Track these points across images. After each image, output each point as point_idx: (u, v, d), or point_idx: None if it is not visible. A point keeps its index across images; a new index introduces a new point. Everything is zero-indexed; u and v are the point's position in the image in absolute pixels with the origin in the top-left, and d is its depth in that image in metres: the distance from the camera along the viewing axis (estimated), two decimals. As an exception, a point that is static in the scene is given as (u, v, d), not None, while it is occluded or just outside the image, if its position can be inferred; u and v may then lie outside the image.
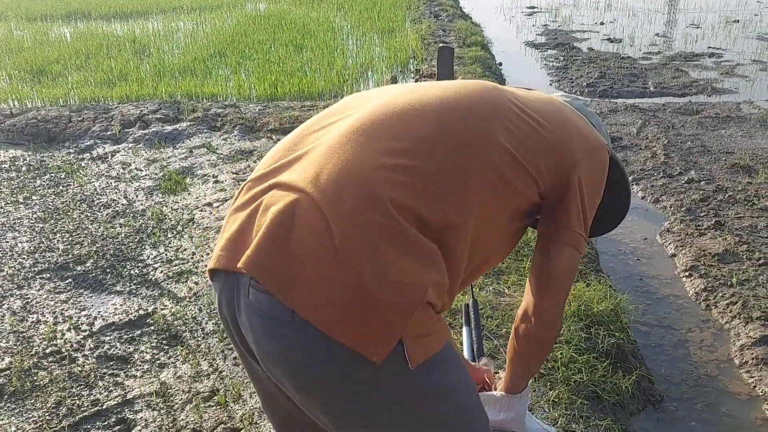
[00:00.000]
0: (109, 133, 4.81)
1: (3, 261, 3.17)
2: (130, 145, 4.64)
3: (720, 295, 2.90)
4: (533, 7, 10.39)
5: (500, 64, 7.14)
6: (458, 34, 7.81)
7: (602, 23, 8.99)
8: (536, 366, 1.53)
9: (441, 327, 1.11)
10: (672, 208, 3.70)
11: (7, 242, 3.36)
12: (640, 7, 10.09)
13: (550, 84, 6.38)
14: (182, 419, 2.17)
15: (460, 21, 8.65)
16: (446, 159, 1.13)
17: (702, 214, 3.59)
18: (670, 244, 3.37)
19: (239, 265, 1.04)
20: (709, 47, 7.48)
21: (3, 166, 4.33)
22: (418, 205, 1.06)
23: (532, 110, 1.25)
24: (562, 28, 8.88)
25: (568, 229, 1.25)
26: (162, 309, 2.78)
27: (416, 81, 6.31)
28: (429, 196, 1.09)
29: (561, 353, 2.23)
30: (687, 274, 3.10)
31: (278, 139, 4.64)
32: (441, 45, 5.30)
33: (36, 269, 3.11)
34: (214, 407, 2.21)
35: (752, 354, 2.53)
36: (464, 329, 1.77)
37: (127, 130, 4.84)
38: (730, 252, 3.19)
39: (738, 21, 8.86)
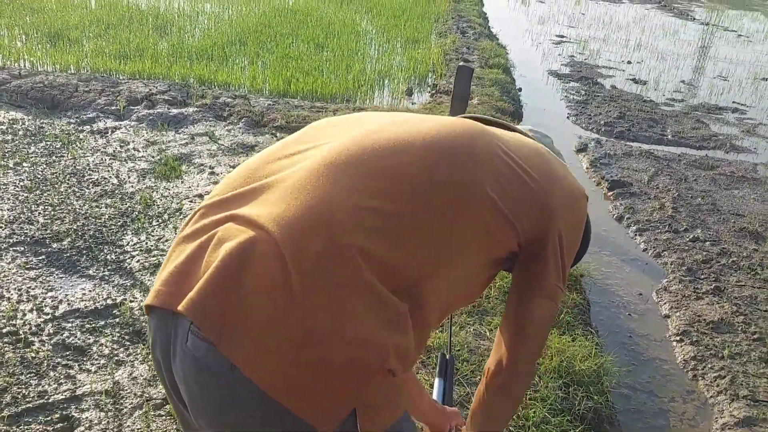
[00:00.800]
0: (113, 107, 4.72)
1: (-21, 227, 3.08)
2: (133, 123, 4.55)
3: (709, 366, 2.78)
4: (562, 37, 10.28)
5: (520, 89, 7.03)
6: (482, 54, 7.70)
7: (629, 62, 8.87)
8: (504, 421, 1.43)
9: (400, 397, 1.02)
10: (672, 266, 3.58)
11: (-12, 208, 3.26)
12: (670, 50, 9.97)
13: (567, 117, 6.27)
14: (128, 425, 2.06)
15: (486, 41, 8.55)
16: (428, 206, 1.04)
17: (702, 277, 3.47)
18: (665, 303, 3.25)
19: (180, 307, 0.92)
20: (734, 102, 7.35)
21: (1, 127, 4.24)
22: (391, 256, 0.98)
23: (521, 159, 1.20)
24: (588, 61, 8.77)
25: (548, 282, 1.23)
26: (131, 301, 2.68)
27: (431, 96, 6.20)
28: (404, 246, 1.00)
29: (534, 411, 2.11)
30: (678, 338, 2.98)
31: (282, 137, 4.53)
32: (460, 64, 5.20)
33: (10, 241, 3.01)
34: (164, 417, 2.10)
35: (733, 435, 2.41)
36: (436, 380, 1.67)
37: (132, 108, 4.75)
38: (726, 321, 3.07)
39: (767, 79, 8.73)
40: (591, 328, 2.81)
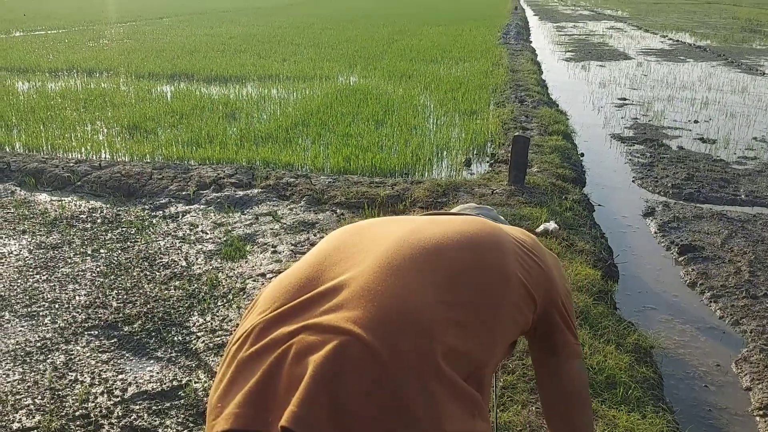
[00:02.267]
0: (184, 192, 4.97)
1: (58, 313, 3.25)
2: (202, 206, 4.77)
3: (800, 444, 2.57)
4: (624, 99, 10.20)
5: (582, 154, 6.97)
6: (541, 121, 7.73)
7: (696, 121, 8.68)
8: None
9: None
10: (752, 334, 3.37)
11: (67, 294, 3.45)
12: (740, 107, 9.71)
13: (633, 180, 6.14)
14: None
15: (545, 108, 8.58)
16: (484, 294, 1.14)
17: (786, 345, 3.25)
18: (746, 375, 3.05)
19: (283, 422, 0.89)
20: (812, 156, 7.04)
21: (81, 216, 4.53)
22: (464, 346, 1.04)
23: (527, 246, 1.36)
24: (652, 122, 8.64)
25: (570, 343, 1.43)
26: (195, 382, 2.74)
27: (490, 165, 6.23)
28: (473, 335, 1.07)
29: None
30: (761, 413, 2.78)
31: (341, 214, 4.66)
32: (516, 134, 5.23)
33: (86, 325, 3.16)
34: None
35: None
36: None
37: (201, 192, 4.99)
38: (816, 394, 2.84)
39: None
40: (663, 404, 2.66)
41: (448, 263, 1.13)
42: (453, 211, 1.65)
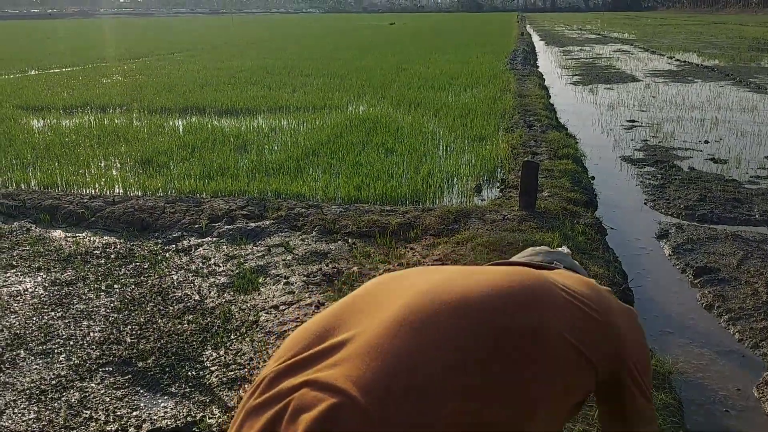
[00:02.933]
0: (196, 226, 5.00)
1: (73, 350, 3.26)
2: (214, 239, 4.79)
3: (826, 470, 2.50)
4: (633, 121, 10.21)
5: (593, 178, 6.96)
6: (550, 146, 7.74)
7: (707, 141, 8.66)
8: None
9: None
10: (773, 357, 3.32)
11: (81, 331, 3.47)
12: (750, 126, 9.68)
13: (645, 203, 6.12)
14: None
15: (554, 132, 8.60)
16: (506, 359, 1.03)
17: (808, 367, 3.19)
18: (768, 399, 2.99)
19: None
20: (825, 173, 6.98)
21: (95, 252, 4.57)
22: (481, 415, 0.96)
23: (580, 294, 1.22)
24: (662, 144, 8.62)
25: (640, 410, 1.30)
26: (210, 418, 2.73)
27: (501, 191, 6.23)
28: (492, 403, 0.98)
29: None
30: (787, 439, 2.72)
31: (353, 243, 4.66)
32: (525, 159, 5.24)
33: (101, 361, 3.17)
34: None
35: None
36: None
37: (213, 225, 5.02)
38: (841, 418, 2.78)
39: None
40: (684, 431, 2.61)
41: (467, 322, 1.03)
42: (521, 257, 1.54)
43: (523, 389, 1.02)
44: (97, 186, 6.26)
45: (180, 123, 9.24)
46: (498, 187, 6.46)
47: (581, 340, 1.13)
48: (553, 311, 1.13)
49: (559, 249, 1.62)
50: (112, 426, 2.68)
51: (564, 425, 1.26)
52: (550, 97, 12.57)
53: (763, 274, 4.26)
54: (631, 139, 8.92)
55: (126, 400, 2.87)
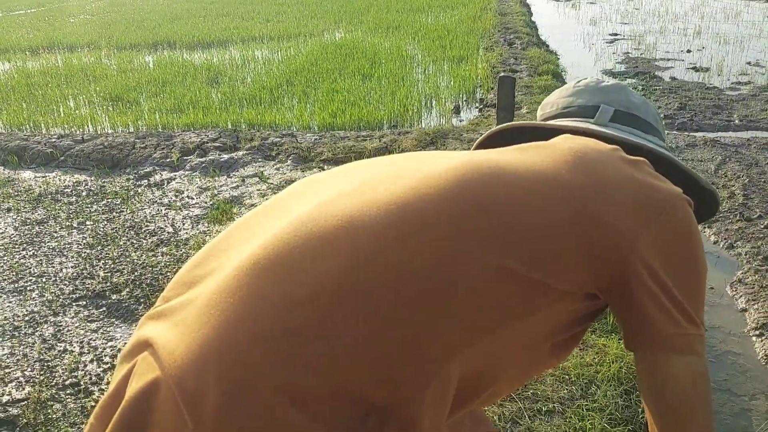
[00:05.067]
0: (168, 160, 4.90)
1: (45, 286, 3.23)
2: (186, 172, 4.70)
3: (795, 360, 2.54)
4: (616, 35, 9.99)
5: (573, 93, 6.84)
6: (530, 63, 7.58)
7: (689, 51, 8.50)
8: None
9: None
10: (747, 256, 3.33)
11: (54, 267, 3.43)
12: (733, 33, 9.50)
13: (625, 115, 6.03)
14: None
15: (535, 49, 8.41)
16: (389, 306, 0.76)
17: (781, 264, 3.21)
18: (741, 296, 3.02)
19: None
20: (807, 76, 6.90)
21: (65, 191, 4.48)
22: (330, 383, 0.73)
23: (552, 187, 0.86)
24: (644, 56, 8.46)
25: (660, 333, 0.87)
26: (185, 344, 2.72)
27: (479, 110, 6.13)
28: (347, 364, 0.74)
29: (591, 423, 1.98)
30: (757, 332, 2.75)
31: (329, 169, 4.58)
32: (501, 75, 5.11)
33: (74, 296, 3.14)
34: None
35: (829, 434, 2.18)
36: None
37: (185, 158, 4.92)
38: (811, 310, 2.81)
39: (843, 48, 8.16)
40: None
41: (338, 260, 0.78)
42: (555, 98, 1.18)
43: (403, 347, 0.77)
44: (66, 125, 6.09)
45: (150, 59, 8.96)
46: (477, 108, 6.36)
47: (534, 263, 0.82)
48: (488, 233, 0.81)
49: (616, 82, 1.17)
50: (87, 357, 2.68)
51: (565, 353, 1.01)
52: (531, 14, 12.25)
53: (740, 178, 4.24)
54: (613, 53, 8.75)
55: (101, 331, 2.86)
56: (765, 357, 2.61)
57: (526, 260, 0.82)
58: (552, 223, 0.84)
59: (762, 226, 3.59)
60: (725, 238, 3.55)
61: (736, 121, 5.53)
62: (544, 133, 1.06)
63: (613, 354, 2.31)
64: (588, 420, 2.00)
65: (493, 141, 1.22)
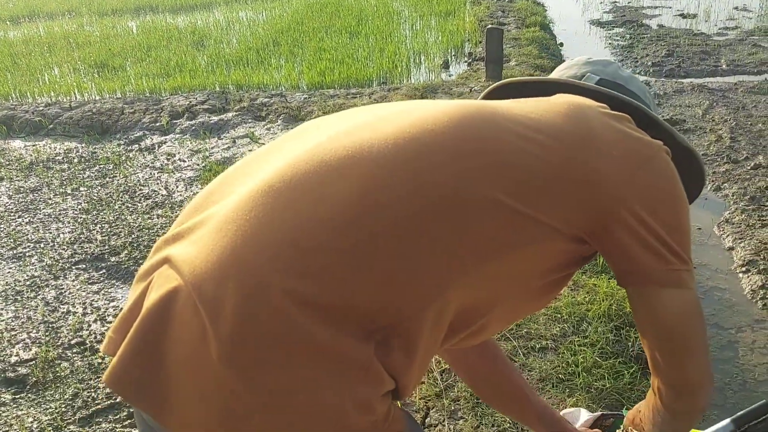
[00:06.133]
0: (158, 124, 4.89)
1: (44, 252, 3.26)
2: (177, 135, 4.70)
3: (779, 293, 2.63)
4: (603, -16, 9.88)
5: (561, 44, 6.83)
6: (518, 15, 7.52)
7: (676, -3, 8.45)
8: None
9: None
10: (734, 197, 3.40)
11: (51, 233, 3.45)
12: (721, -22, 9.42)
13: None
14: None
15: (522, 1, 8.33)
16: (398, 227, 0.82)
17: (767, 204, 3.27)
18: (728, 235, 3.09)
19: (103, 379, 0.84)
20: (795, 19, 6.89)
21: (57, 158, 4.48)
22: (340, 296, 0.78)
23: (544, 134, 0.91)
24: (631, 4, 8.41)
25: (642, 273, 0.93)
26: (186, 301, 2.78)
27: (468, 65, 6.11)
28: (358, 280, 0.80)
29: (583, 357, 2.06)
30: (744, 269, 2.83)
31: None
32: (489, 27, 5.10)
33: (73, 260, 3.17)
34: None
35: (811, 361, 2.27)
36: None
37: (175, 121, 4.91)
38: (796, 245, 2.89)
39: (830, -11, 8.12)
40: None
41: (340, 191, 0.83)
42: (554, 73, 1.20)
43: (408, 270, 0.82)
44: (52, 94, 6.05)
45: (133, 24, 8.83)
46: (466, 62, 6.34)
47: (520, 195, 0.86)
48: (487, 163, 0.87)
49: (606, 59, 1.22)
50: (90, 317, 2.73)
51: (552, 294, 1.06)
52: (517, -34, 12.07)
53: (727, 121, 4.28)
54: (600, 2, 8.69)
55: (102, 292, 2.91)
56: (751, 292, 2.69)
57: (519, 196, 0.87)
58: (544, 167, 0.89)
59: (748, 168, 3.65)
60: (713, 181, 3.60)
61: (724, 66, 5.55)
62: (542, 91, 1.10)
63: (603, 293, 2.38)
64: (580, 355, 2.07)
65: (494, 97, 1.25)
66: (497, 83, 1.20)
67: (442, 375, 2.11)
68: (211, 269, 0.79)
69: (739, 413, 1.26)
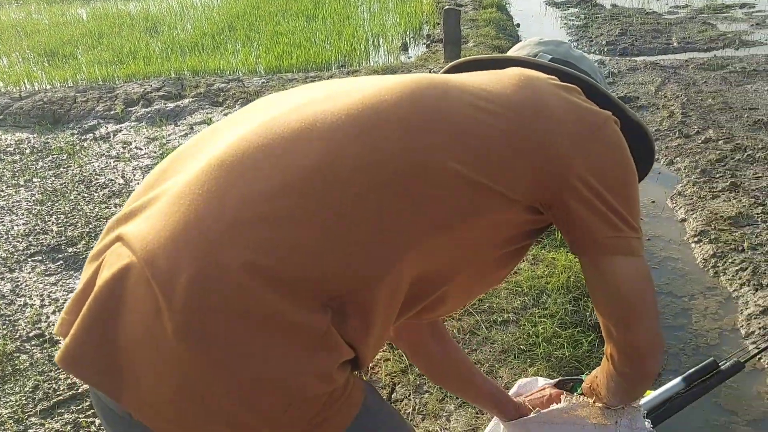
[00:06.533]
0: (112, 112, 4.79)
1: (-3, 245, 3.18)
2: (132, 123, 4.61)
3: (730, 261, 2.72)
4: (557, -35, 9.98)
5: (518, 25, 6.89)
6: (475, -4, 7.55)
7: (629, -23, 8.58)
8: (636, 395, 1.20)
9: (337, 408, 0.85)
10: (686, 170, 3.49)
11: (4, 226, 3.37)
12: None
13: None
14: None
15: (478, -18, 8.36)
16: (352, 198, 0.82)
17: (717, 176, 3.38)
18: (680, 208, 3.18)
19: (56, 359, 0.82)
20: (742, -3, 7.07)
21: (8, 149, 4.36)
22: (294, 266, 0.78)
23: (496, 104, 0.92)
24: (586, -16, 8.50)
25: (594, 241, 0.94)
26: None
27: (427, 46, 6.12)
28: (313, 251, 0.79)
29: (543, 328, 2.10)
30: (696, 239, 2.92)
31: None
32: (446, 8, 5.10)
33: (29, 252, 3.10)
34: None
35: (759, 323, 2.36)
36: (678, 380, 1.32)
37: (129, 109, 4.82)
38: (744, 215, 2.99)
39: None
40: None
41: (294, 161, 0.83)
42: (512, 53, 1.19)
43: (367, 236, 0.82)
44: (1, 84, 5.86)
45: (83, 11, 8.60)
46: (424, 43, 6.35)
47: (473, 164, 0.87)
48: (439, 131, 0.88)
49: (558, 39, 1.24)
50: (48, 309, 2.68)
51: (510, 267, 1.07)
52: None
53: (679, 98, 4.38)
54: (556, -17, 8.76)
55: (60, 284, 2.85)
56: (703, 261, 2.77)
57: (473, 165, 0.87)
58: (496, 136, 0.90)
59: (699, 141, 3.76)
60: (665, 155, 3.70)
61: (675, 44, 5.67)
62: (498, 68, 1.11)
63: (562, 266, 2.44)
64: (540, 326, 2.12)
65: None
66: (454, 62, 1.21)
67: (406, 351, 2.13)
68: (163, 244, 0.78)
69: (688, 372, 1.31)
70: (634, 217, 0.96)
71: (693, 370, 1.31)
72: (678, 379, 1.30)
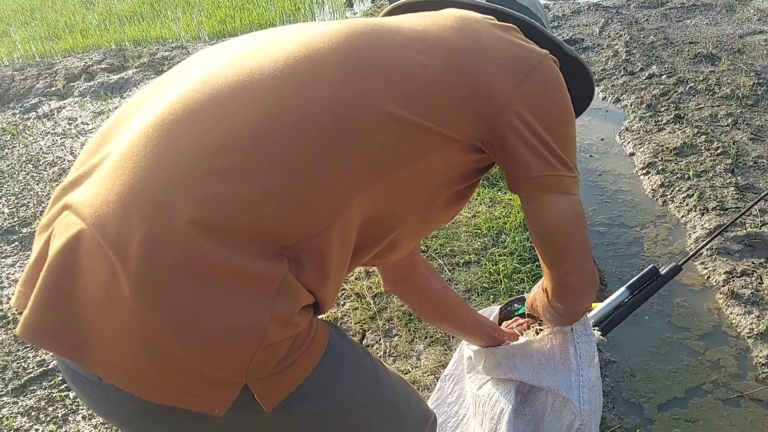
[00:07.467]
0: (53, 89, 4.64)
1: (-53, 231, 3.10)
2: (76, 99, 4.48)
3: (677, 189, 2.83)
4: None
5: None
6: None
7: None
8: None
9: (303, 350, 0.86)
10: (632, 107, 3.58)
11: (-48, 212, 3.27)
12: None
13: (513, -10, 6.12)
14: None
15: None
16: (295, 148, 0.83)
17: (662, 109, 3.48)
18: (628, 142, 3.28)
19: (17, 330, 0.82)
20: (678, -66, 7.15)
21: (-54, 134, 4.20)
22: (242, 220, 0.79)
23: (432, 45, 0.93)
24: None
25: (530, 178, 0.96)
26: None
27: (372, 1, 6.05)
28: (260, 203, 0.81)
29: (503, 266, 2.17)
30: (644, 171, 3.02)
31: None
32: (388, -41, 5.04)
33: (-19, 236, 3.03)
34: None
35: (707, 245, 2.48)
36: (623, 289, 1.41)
37: (71, 84, 4.67)
38: (689, 144, 3.10)
39: None
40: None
41: (236, 115, 0.83)
42: None
43: (310, 185, 0.83)
44: (-70, 68, 5.60)
45: (11, -14, 8.21)
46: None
47: (411, 106, 0.88)
48: (376, 76, 0.88)
49: None
50: (8, 290, 2.64)
51: (457, 207, 1.08)
52: None
53: (622, 36, 4.46)
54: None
55: (18, 264, 2.81)
56: (652, 191, 2.88)
57: (411, 108, 0.88)
58: (434, 77, 0.90)
59: (644, 78, 3.85)
60: (612, 93, 3.78)
61: (616, -16, 5.73)
62: (436, 9, 1.12)
63: (518, 206, 2.50)
64: (501, 263, 2.19)
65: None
66: (393, 4, 1.21)
67: (374, 299, 2.18)
68: (112, 208, 0.78)
69: (631, 280, 1.39)
70: (570, 155, 0.98)
71: (635, 278, 1.39)
72: (622, 289, 1.38)
